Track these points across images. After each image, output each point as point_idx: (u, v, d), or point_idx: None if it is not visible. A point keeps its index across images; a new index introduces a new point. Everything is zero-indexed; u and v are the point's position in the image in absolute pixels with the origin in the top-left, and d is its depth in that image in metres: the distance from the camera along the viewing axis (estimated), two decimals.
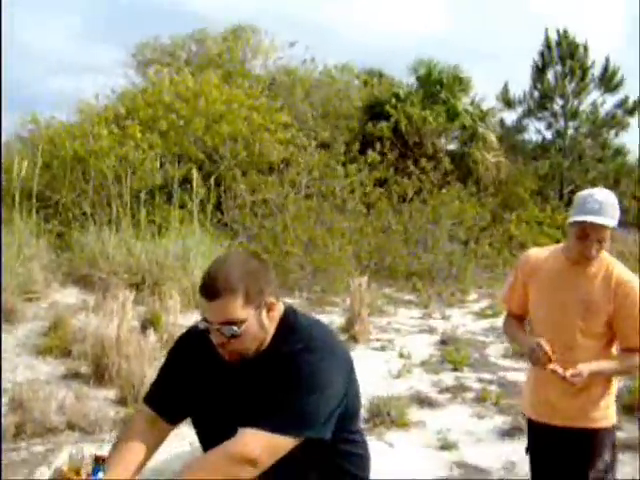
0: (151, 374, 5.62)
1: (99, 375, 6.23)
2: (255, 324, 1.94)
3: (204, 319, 1.96)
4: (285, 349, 1.97)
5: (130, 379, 5.85)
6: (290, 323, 2.05)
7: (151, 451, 2.07)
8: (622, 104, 22.56)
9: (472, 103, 20.82)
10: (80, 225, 10.69)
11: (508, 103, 23.34)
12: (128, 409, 5.55)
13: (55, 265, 9.50)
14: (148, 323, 7.76)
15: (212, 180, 12.78)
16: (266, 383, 1.94)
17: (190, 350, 2.11)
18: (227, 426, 1.90)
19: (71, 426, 5.14)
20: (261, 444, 1.82)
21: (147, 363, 5.88)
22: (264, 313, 1.96)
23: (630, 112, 22.54)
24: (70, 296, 8.98)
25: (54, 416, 5.11)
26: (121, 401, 5.78)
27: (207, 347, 2.01)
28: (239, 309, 1.90)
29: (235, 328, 1.90)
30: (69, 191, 12.21)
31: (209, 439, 2.01)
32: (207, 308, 1.94)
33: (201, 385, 2.07)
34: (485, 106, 21.27)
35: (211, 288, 1.92)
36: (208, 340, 1.99)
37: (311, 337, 2.01)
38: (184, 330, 2.26)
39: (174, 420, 2.14)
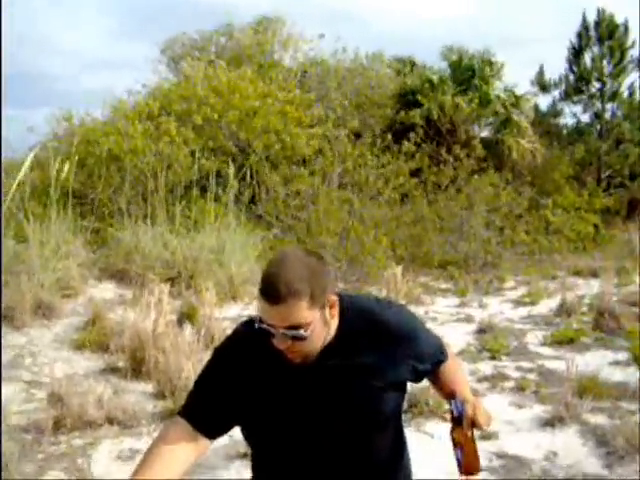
0: (188, 368, 5.66)
1: (137, 369, 6.27)
2: (320, 324, 1.86)
3: (265, 322, 1.85)
4: (365, 326, 1.97)
5: (167, 373, 5.87)
6: (351, 306, 2.00)
7: (185, 467, 1.93)
8: None
9: (505, 89, 20.56)
10: (116, 221, 10.77)
11: (543, 87, 23.01)
12: (165, 402, 5.58)
13: (91, 261, 9.60)
14: (185, 317, 7.80)
15: (247, 173, 12.81)
16: (370, 358, 1.95)
17: (240, 356, 1.98)
18: (314, 425, 1.91)
19: (110, 420, 5.18)
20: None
21: (184, 357, 5.90)
22: (327, 311, 1.88)
23: None
24: (107, 291, 9.07)
25: (93, 410, 5.15)
26: (158, 395, 5.81)
27: (263, 349, 1.90)
28: (305, 312, 1.81)
29: (302, 332, 1.81)
30: (104, 187, 12.29)
31: (286, 445, 1.96)
32: (270, 312, 1.82)
33: (261, 392, 1.95)
34: (518, 92, 21.00)
35: (274, 292, 1.80)
36: (263, 341, 1.89)
37: (379, 304, 2.09)
38: (229, 332, 2.14)
39: (216, 436, 2.01)
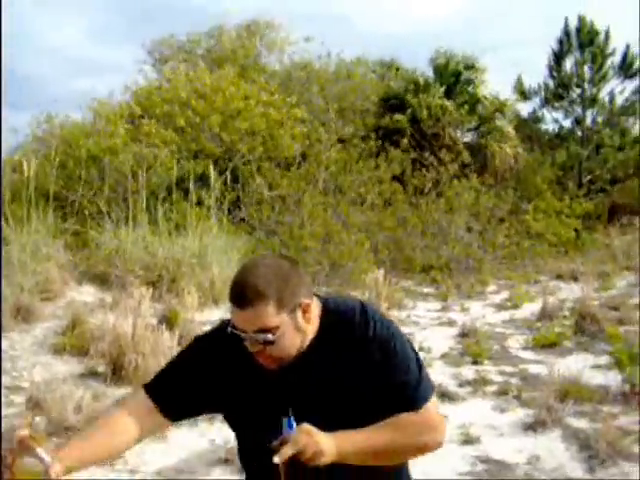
0: None
1: (116, 373, 6.21)
2: (291, 328, 1.84)
3: (234, 327, 1.85)
4: (351, 334, 1.91)
5: (147, 377, 5.77)
6: (335, 312, 1.96)
7: (130, 437, 1.93)
8: (639, 91, 22.34)
9: (489, 94, 20.66)
10: (97, 223, 10.69)
11: (523, 94, 23.18)
12: None
13: (72, 264, 9.51)
14: (165, 320, 7.74)
15: (229, 176, 12.76)
16: (339, 369, 1.88)
17: (219, 348, 1.97)
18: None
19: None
20: (434, 412, 1.92)
21: (164, 360, 5.82)
22: (299, 315, 1.85)
23: None
24: (87, 295, 9.00)
25: (71, 415, 5.09)
26: None
27: (242, 347, 1.88)
28: (272, 316, 1.80)
29: (269, 336, 1.80)
30: (85, 190, 12.20)
31: (253, 440, 1.93)
32: (238, 316, 1.84)
33: (232, 387, 1.95)
34: (502, 97, 21.11)
35: (241, 296, 1.82)
36: (239, 343, 1.88)
37: (367, 315, 1.95)
38: (204, 330, 2.14)
39: (173, 417, 2.01)
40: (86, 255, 9.97)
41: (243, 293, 1.82)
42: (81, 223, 11.05)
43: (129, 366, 6.13)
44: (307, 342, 1.90)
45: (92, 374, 6.40)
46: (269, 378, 1.91)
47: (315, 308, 1.92)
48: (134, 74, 26.39)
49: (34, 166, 9.54)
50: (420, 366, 1.95)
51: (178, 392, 1.98)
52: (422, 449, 1.92)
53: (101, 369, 6.42)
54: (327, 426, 1.81)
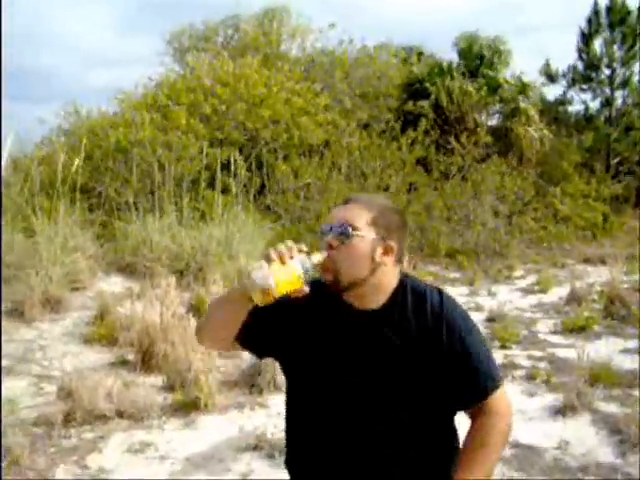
0: (197, 360, 5.63)
1: (146, 362, 6.26)
2: (367, 247, 1.89)
3: (323, 226, 1.94)
4: (422, 308, 1.95)
5: (176, 365, 5.86)
6: (413, 288, 2.00)
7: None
8: None
9: (513, 77, 20.46)
10: (124, 214, 10.76)
11: (551, 77, 22.91)
12: (175, 395, 5.56)
13: (100, 255, 9.59)
14: (193, 309, 7.78)
15: (254, 163, 12.76)
16: (408, 339, 1.92)
17: (308, 295, 1.94)
18: (348, 380, 1.92)
19: (120, 413, 5.17)
20: (506, 402, 2.00)
21: (192, 349, 5.87)
22: (380, 249, 1.91)
23: None
24: (115, 285, 9.07)
25: (103, 404, 5.14)
26: (168, 387, 5.80)
27: (330, 298, 1.95)
28: (361, 219, 1.89)
29: (349, 229, 1.87)
30: (112, 181, 12.28)
31: (315, 390, 1.99)
32: (333, 212, 1.96)
33: (310, 333, 1.99)
34: (526, 79, 20.88)
35: (349, 198, 1.98)
36: (326, 295, 1.94)
37: (443, 298, 2.01)
38: None
39: (244, 344, 2.05)
40: (114, 246, 10.04)
41: (353, 196, 2.01)
42: (108, 214, 11.13)
43: (158, 354, 6.18)
44: (385, 295, 1.95)
45: (122, 363, 6.46)
46: (349, 328, 1.95)
47: (393, 277, 1.97)
48: (155, 66, 26.60)
49: (62, 158, 9.62)
50: (489, 357, 2.02)
51: (259, 320, 1.98)
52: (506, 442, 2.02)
53: (131, 358, 6.47)
54: (389, 397, 1.89)
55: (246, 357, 6.38)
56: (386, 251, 1.92)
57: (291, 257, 1.78)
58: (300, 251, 1.81)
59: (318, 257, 1.84)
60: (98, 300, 8.01)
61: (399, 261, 1.98)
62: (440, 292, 2.02)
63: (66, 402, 5.23)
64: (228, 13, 21.16)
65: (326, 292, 1.94)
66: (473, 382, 1.95)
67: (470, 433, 1.98)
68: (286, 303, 1.88)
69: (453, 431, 2.08)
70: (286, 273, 1.76)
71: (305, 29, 21.20)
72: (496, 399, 1.97)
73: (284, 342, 2.02)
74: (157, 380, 6.00)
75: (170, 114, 13.90)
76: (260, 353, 2.14)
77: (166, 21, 49.24)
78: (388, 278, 1.95)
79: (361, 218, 1.89)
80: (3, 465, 4.25)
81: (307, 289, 1.81)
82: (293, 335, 2.00)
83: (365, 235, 1.89)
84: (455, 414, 2.06)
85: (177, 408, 5.36)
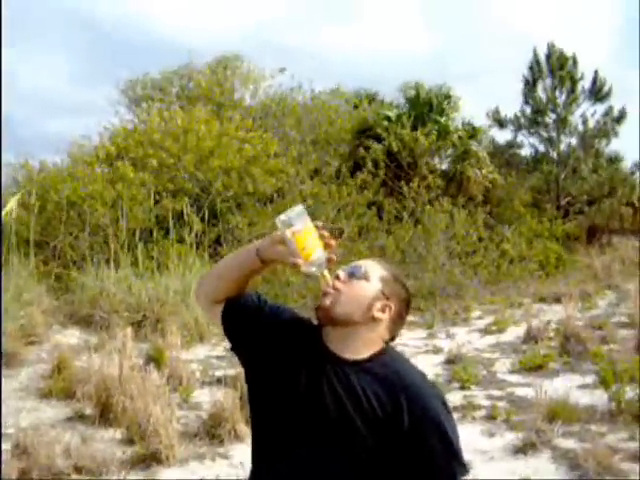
0: (156, 411, 5.56)
1: (104, 415, 6.15)
2: (370, 294, 1.98)
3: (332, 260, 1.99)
4: (400, 373, 1.98)
5: (135, 417, 5.77)
6: (395, 357, 2.06)
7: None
8: (607, 113, 22.82)
9: (462, 122, 20.92)
10: (79, 267, 10.65)
11: (500, 123, 23.60)
12: (135, 448, 5.47)
13: (55, 307, 9.46)
14: (151, 360, 7.70)
15: (207, 213, 12.77)
16: (374, 400, 1.91)
17: (299, 324, 2.11)
18: (305, 412, 1.93)
19: (78, 469, 5.06)
20: None
21: (152, 400, 5.80)
22: (379, 304, 1.99)
23: (617, 120, 22.78)
24: (72, 337, 8.93)
25: (60, 460, 5.03)
26: (127, 440, 5.70)
27: (317, 334, 2.03)
28: (375, 272, 2.02)
29: (362, 270, 2.01)
30: (65, 233, 12.17)
31: (276, 415, 1.99)
32: (352, 261, 2.10)
33: (288, 355, 2.01)
34: (475, 124, 21.36)
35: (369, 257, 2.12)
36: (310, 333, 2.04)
37: (424, 378, 2.03)
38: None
39: (226, 321, 2.11)
40: (70, 298, 9.92)
41: (375, 257, 2.27)
42: (63, 267, 11.00)
43: (117, 407, 6.08)
44: (352, 339, 1.98)
45: (80, 417, 6.33)
46: (323, 362, 1.97)
47: (378, 339, 2.03)
48: (108, 115, 26.55)
49: (14, 212, 9.53)
50: (457, 449, 1.92)
51: (248, 311, 2.09)
52: None
53: (88, 412, 6.35)
54: (337, 446, 1.88)
55: (206, 407, 6.32)
56: (383, 308, 2.00)
57: (321, 240, 1.93)
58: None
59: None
60: (54, 353, 7.87)
61: (390, 331, 2.05)
62: (423, 375, 2.04)
63: (21, 459, 5.10)
64: (181, 62, 21.20)
65: (311, 332, 2.04)
66: (429, 463, 1.90)
67: None
68: (276, 316, 2.07)
69: None
70: (309, 241, 1.90)
71: (257, 76, 21.47)
72: None
73: (258, 344, 2.06)
74: (116, 433, 5.90)
75: (118, 168, 13.89)
76: (234, 339, 2.15)
77: (122, 69, 49.28)
78: (374, 336, 2.01)
79: (375, 270, 2.03)
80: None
81: (305, 268, 1.92)
82: (269, 344, 2.04)
83: (372, 283, 2.00)
84: None
85: (137, 461, 5.27)
